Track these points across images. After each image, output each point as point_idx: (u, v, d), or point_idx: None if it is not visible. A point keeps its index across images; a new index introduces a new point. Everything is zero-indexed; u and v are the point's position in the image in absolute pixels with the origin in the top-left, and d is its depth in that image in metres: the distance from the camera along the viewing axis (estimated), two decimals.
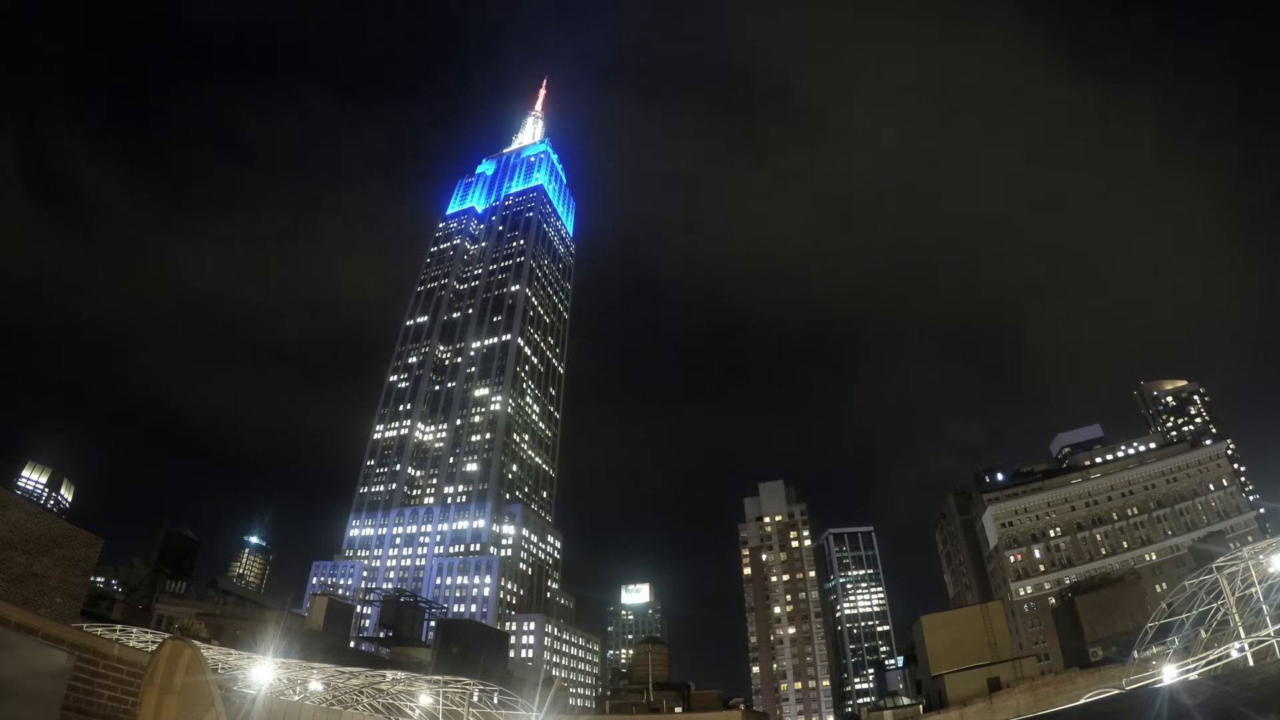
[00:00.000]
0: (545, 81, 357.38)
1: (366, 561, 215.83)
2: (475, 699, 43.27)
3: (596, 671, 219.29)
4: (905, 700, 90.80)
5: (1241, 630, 32.15)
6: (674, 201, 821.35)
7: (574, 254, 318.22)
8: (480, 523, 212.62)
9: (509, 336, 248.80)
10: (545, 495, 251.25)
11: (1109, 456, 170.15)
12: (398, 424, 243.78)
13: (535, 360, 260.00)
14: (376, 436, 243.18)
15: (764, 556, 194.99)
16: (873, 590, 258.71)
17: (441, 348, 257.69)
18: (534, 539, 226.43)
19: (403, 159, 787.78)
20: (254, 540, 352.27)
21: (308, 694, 39.54)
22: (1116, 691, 37.73)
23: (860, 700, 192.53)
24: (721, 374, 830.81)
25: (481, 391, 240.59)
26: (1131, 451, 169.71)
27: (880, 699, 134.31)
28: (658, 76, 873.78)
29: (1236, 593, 32.92)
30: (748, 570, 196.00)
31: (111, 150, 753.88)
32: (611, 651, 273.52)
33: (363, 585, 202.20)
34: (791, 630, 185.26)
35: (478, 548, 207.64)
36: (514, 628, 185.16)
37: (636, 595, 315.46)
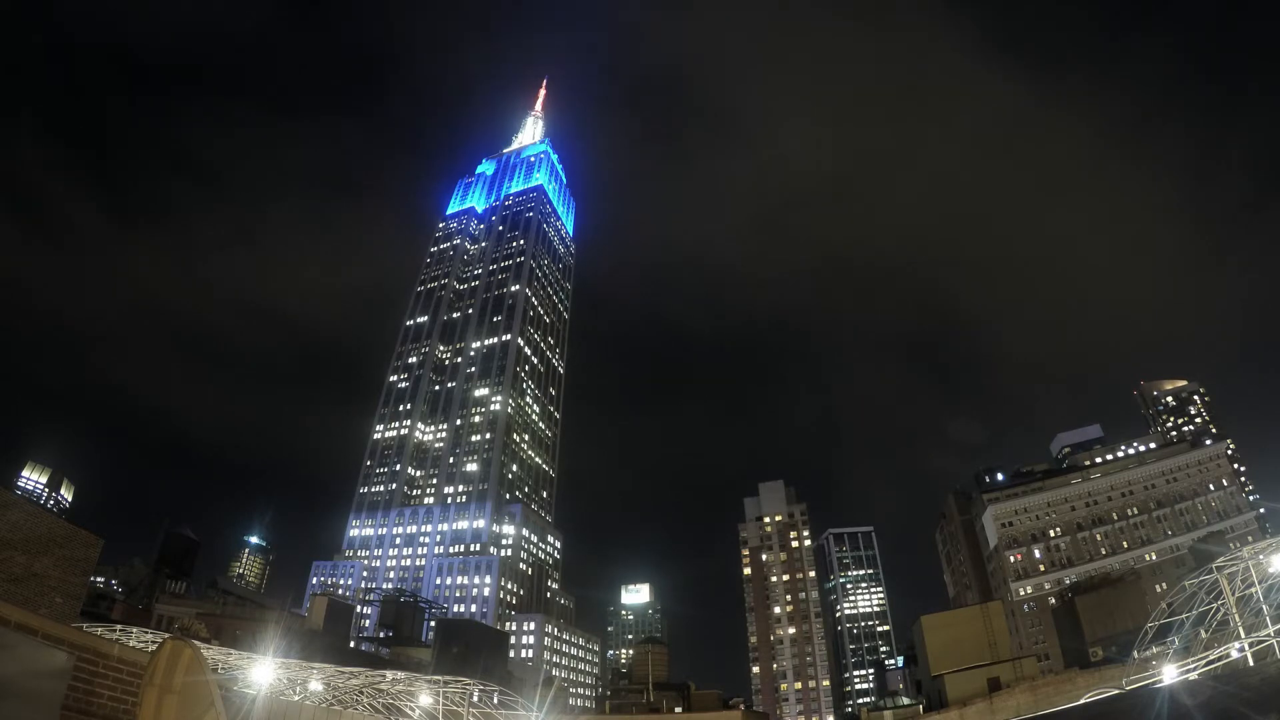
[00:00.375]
0: (545, 81, 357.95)
1: (366, 561, 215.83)
2: (475, 699, 43.27)
3: (596, 671, 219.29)
4: (905, 700, 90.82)
5: (1241, 630, 32.15)
6: (674, 199, 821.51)
7: (574, 254, 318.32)
8: (480, 523, 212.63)
9: (509, 336, 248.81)
10: (545, 495, 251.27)
11: (1109, 456, 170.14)
12: (398, 424, 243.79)
13: (535, 360, 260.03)
14: (376, 436, 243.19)
15: (764, 556, 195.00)
16: (873, 590, 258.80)
17: (441, 348, 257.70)
18: (534, 539, 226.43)
19: (403, 159, 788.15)
20: (254, 540, 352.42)
21: (308, 694, 39.54)
22: (1116, 691, 37.73)
23: (860, 700, 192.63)
24: (721, 373, 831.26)
25: (481, 391, 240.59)
26: (1131, 451, 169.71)
27: (880, 699, 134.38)
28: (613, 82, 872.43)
29: (1236, 593, 32.92)
30: (748, 570, 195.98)
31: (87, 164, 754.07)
32: (611, 651, 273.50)
33: (363, 585, 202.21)
34: (791, 630, 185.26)
35: (478, 548, 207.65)
36: (514, 628, 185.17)
37: (636, 595, 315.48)
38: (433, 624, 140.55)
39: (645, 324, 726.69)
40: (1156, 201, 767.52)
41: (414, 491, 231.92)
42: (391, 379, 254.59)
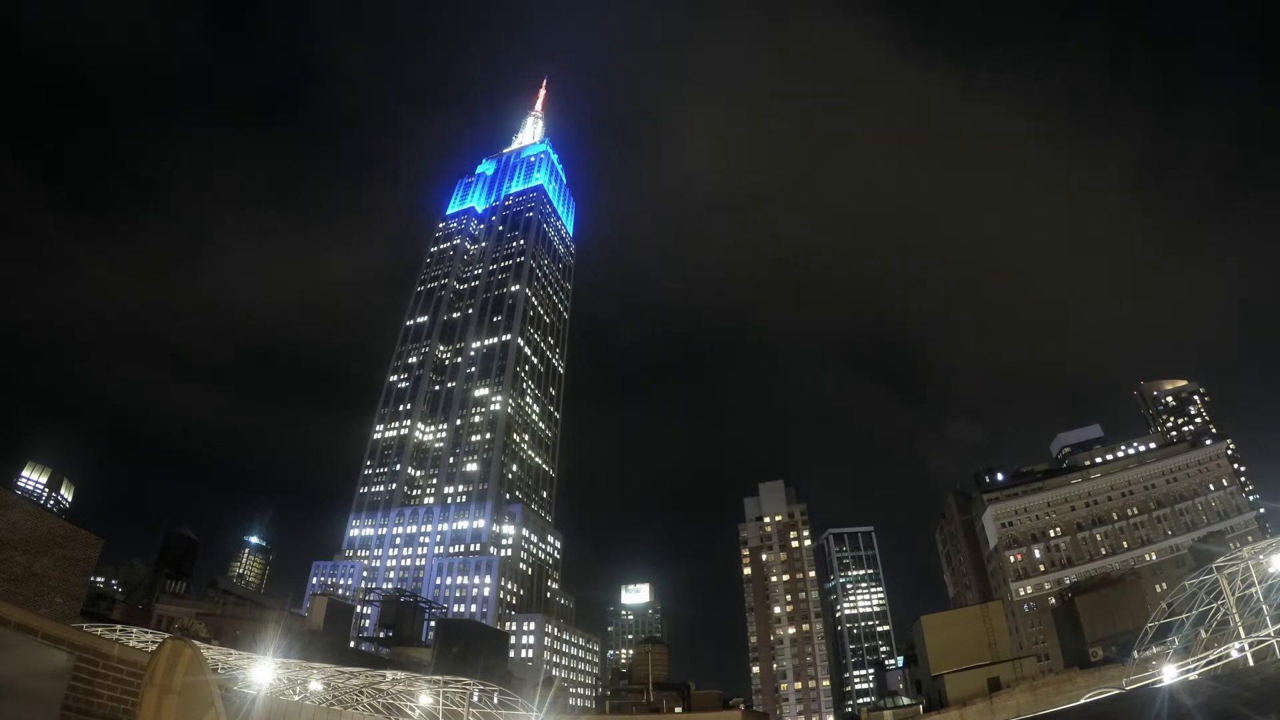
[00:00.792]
0: (545, 81, 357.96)
1: (366, 561, 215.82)
2: (475, 699, 43.28)
3: (596, 671, 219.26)
4: (905, 700, 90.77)
5: (1241, 630, 32.15)
6: (678, 197, 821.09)
7: (574, 254, 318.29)
8: (480, 523, 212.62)
9: (509, 336, 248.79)
10: (545, 495, 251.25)
11: (1109, 456, 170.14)
12: (398, 424, 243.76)
13: (535, 360, 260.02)
14: (376, 436, 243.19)
15: (764, 556, 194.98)
16: (873, 590, 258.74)
17: (441, 348, 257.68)
18: (534, 539, 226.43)
19: (403, 159, 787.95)
20: (254, 540, 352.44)
21: (308, 694, 39.55)
22: (1116, 691, 37.74)
23: (860, 700, 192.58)
24: (721, 373, 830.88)
25: (481, 391, 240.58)
26: (1131, 451, 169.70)
27: (880, 699, 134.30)
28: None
29: (1236, 593, 32.92)
30: (748, 570, 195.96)
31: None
32: (611, 651, 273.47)
33: (363, 585, 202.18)
34: (791, 630, 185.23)
35: (478, 548, 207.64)
36: (514, 628, 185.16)
37: (636, 595, 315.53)
38: (433, 624, 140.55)
39: (645, 324, 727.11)
40: (1109, 198, 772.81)
41: (414, 491, 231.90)
42: (391, 379, 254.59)
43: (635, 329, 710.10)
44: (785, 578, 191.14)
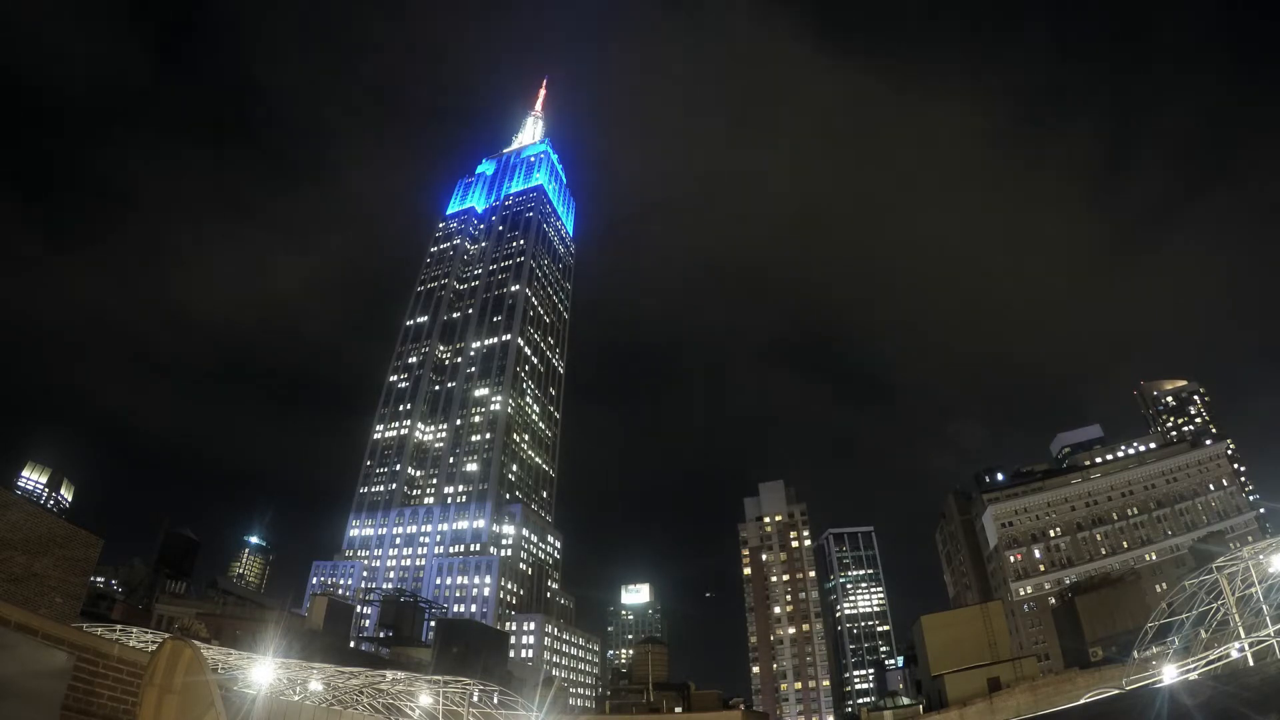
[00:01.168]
0: (545, 81, 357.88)
1: (366, 561, 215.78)
2: (475, 699, 43.27)
3: (596, 671, 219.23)
4: (905, 700, 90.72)
5: (1241, 630, 32.15)
6: (675, 198, 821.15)
7: (574, 254, 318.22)
8: (480, 523, 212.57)
9: (509, 336, 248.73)
10: (545, 495, 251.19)
11: (1109, 456, 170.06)
12: (398, 424, 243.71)
13: (535, 360, 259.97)
14: (376, 436, 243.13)
15: (764, 556, 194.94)
16: (873, 590, 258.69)
17: (441, 348, 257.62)
18: (534, 539, 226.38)
19: (403, 158, 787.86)
20: (254, 540, 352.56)
21: (308, 694, 39.55)
22: (1116, 691, 37.74)
23: (860, 700, 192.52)
24: (721, 373, 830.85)
25: (481, 391, 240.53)
26: (1131, 451, 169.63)
27: (880, 699, 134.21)
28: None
29: (1236, 593, 32.92)
30: (748, 570, 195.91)
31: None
32: (611, 651, 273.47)
33: (363, 585, 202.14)
34: (791, 630, 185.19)
35: (478, 548, 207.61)
36: (514, 628, 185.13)
37: (636, 595, 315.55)
38: (433, 624, 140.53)
39: (645, 323, 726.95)
40: (1063, 197, 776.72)
41: (414, 491, 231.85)
42: (391, 379, 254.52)
43: (635, 329, 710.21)
44: (785, 578, 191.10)
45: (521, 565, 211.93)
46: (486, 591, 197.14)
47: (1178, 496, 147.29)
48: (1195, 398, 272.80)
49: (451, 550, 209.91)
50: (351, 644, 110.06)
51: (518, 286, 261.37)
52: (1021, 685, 59.25)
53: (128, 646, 13.26)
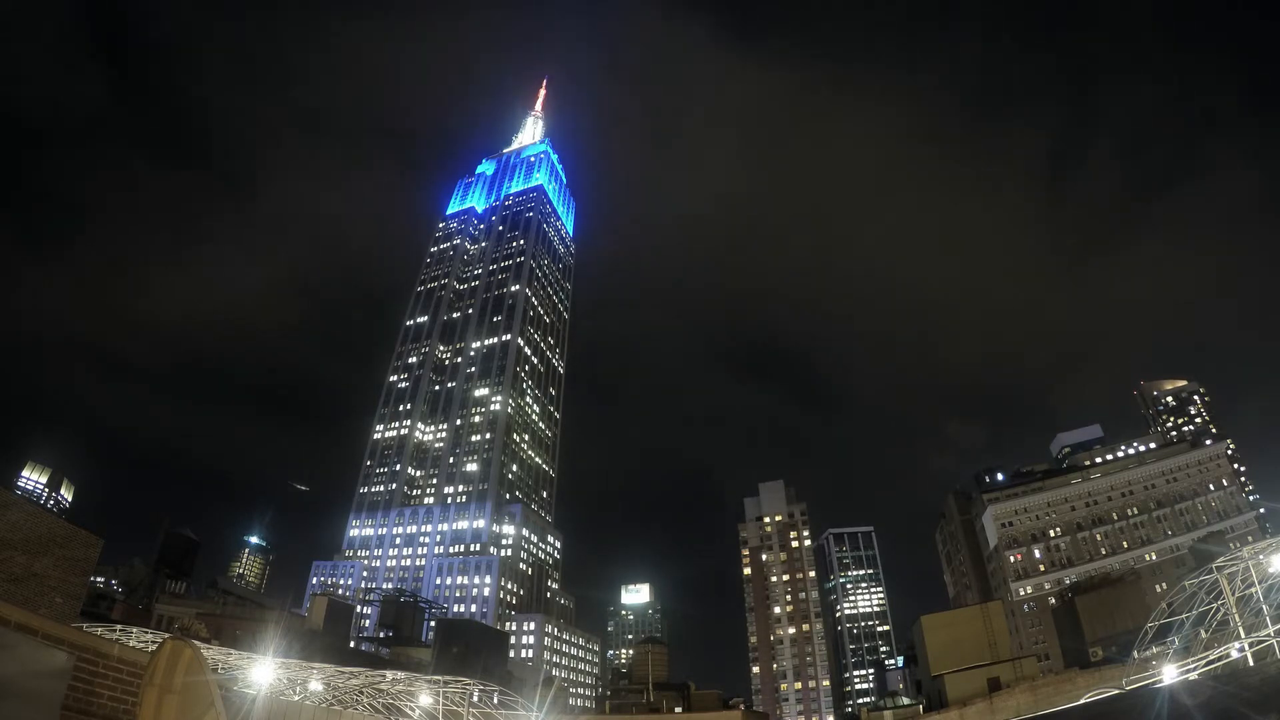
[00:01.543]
0: (545, 81, 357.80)
1: (366, 561, 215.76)
2: (475, 699, 43.27)
3: (596, 671, 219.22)
4: (905, 700, 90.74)
5: (1241, 630, 32.15)
6: (675, 199, 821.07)
7: (574, 254, 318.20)
8: (480, 523, 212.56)
9: (509, 336, 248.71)
10: (545, 495, 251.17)
11: (1109, 456, 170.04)
12: (398, 424, 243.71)
13: (535, 360, 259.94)
14: (376, 436, 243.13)
15: (764, 556, 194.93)
16: (873, 590, 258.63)
17: (441, 348, 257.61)
18: (534, 539, 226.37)
19: (403, 158, 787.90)
20: (254, 540, 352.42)
21: (308, 694, 39.55)
22: (1116, 691, 37.74)
23: (860, 700, 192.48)
24: (721, 372, 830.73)
25: (481, 391, 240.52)
26: (1131, 451, 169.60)
27: (880, 699, 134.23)
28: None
29: (1236, 593, 32.92)
30: (748, 570, 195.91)
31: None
32: (611, 651, 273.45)
33: (363, 585, 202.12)
34: (791, 630, 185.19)
35: (478, 548, 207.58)
36: (514, 628, 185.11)
37: (636, 595, 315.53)
38: (433, 624, 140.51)
39: (645, 322, 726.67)
40: (1011, 198, 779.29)
41: (414, 491, 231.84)
42: (391, 379, 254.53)
43: (635, 329, 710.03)
44: (785, 578, 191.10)
45: (521, 565, 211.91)
46: (486, 591, 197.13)
47: (1178, 496, 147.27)
48: (1195, 398, 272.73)
49: (451, 550, 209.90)
50: (351, 644, 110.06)
51: (518, 286, 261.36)
52: (1021, 685, 59.24)
53: (128, 646, 13.26)
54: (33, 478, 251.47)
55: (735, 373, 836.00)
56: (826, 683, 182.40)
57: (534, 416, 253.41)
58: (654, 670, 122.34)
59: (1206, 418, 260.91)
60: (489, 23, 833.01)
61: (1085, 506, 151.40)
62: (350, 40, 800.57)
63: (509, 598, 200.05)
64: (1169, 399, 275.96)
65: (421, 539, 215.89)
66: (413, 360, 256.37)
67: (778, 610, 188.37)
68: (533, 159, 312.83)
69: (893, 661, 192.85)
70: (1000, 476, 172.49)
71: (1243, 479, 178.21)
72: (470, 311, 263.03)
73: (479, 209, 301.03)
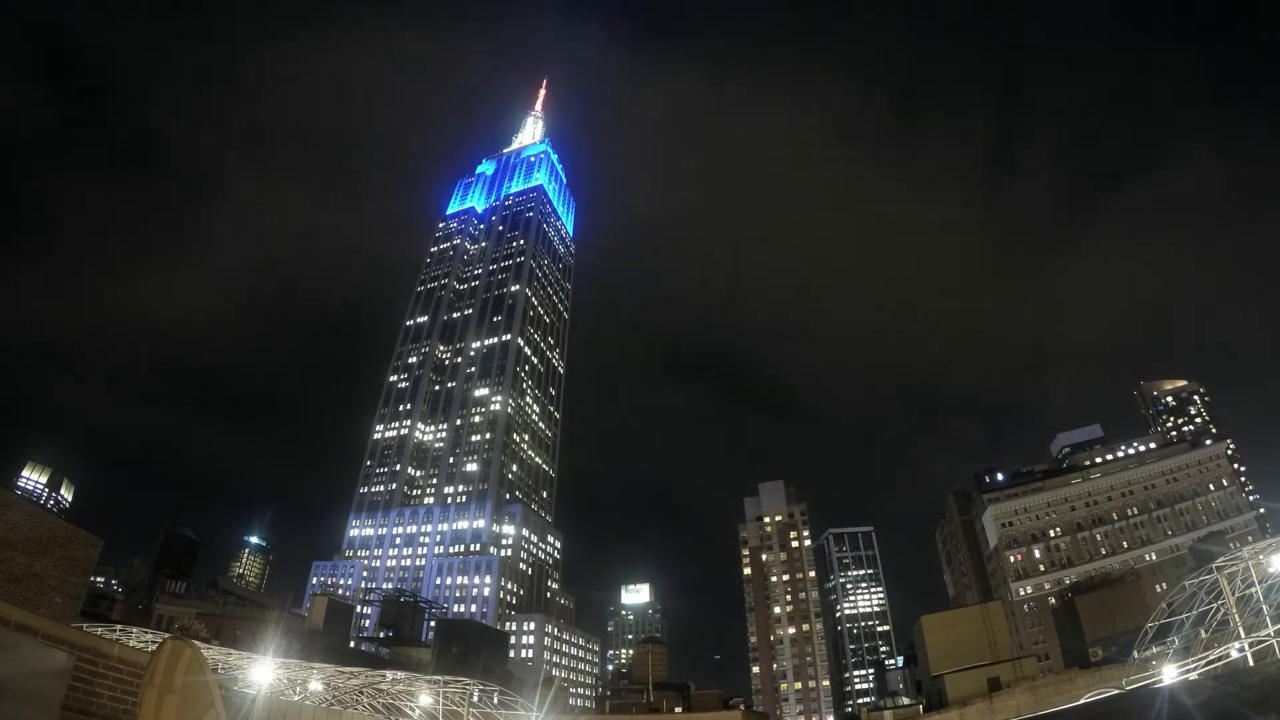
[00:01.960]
0: (545, 81, 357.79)
1: (366, 561, 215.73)
2: (475, 699, 43.27)
3: (596, 671, 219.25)
4: (905, 700, 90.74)
5: (1241, 630, 32.14)
6: (676, 199, 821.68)
7: (574, 254, 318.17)
8: (480, 523, 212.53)
9: (509, 336, 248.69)
10: (545, 495, 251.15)
11: (1109, 456, 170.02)
12: (398, 424, 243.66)
13: (535, 360, 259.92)
14: (376, 436, 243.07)
15: (764, 556, 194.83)
16: (873, 590, 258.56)
17: (441, 348, 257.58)
18: (534, 539, 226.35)
19: (403, 158, 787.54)
20: (254, 540, 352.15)
21: (308, 694, 39.55)
22: (1116, 691, 37.74)
23: (860, 700, 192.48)
24: (720, 372, 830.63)
25: (481, 391, 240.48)
26: (1131, 451, 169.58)
27: (880, 699, 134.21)
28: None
29: (1236, 593, 32.91)
30: (748, 570, 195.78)
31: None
32: (611, 651, 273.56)
33: (363, 585, 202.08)
34: (791, 630, 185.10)
35: (478, 548, 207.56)
36: (514, 628, 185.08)
37: (636, 595, 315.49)
38: (433, 624, 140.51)
39: (645, 322, 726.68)
40: (947, 201, 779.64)
41: (414, 491, 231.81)
42: (391, 379, 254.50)
43: (634, 329, 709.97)
44: (785, 578, 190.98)
45: (521, 565, 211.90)
46: (486, 591, 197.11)
47: (1178, 496, 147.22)
48: (1195, 398, 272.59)
49: (451, 550, 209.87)
50: (351, 644, 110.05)
51: (518, 286, 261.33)
52: (1021, 685, 59.25)
53: (128, 646, 13.25)
54: (33, 478, 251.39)
55: (734, 372, 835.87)
56: (826, 683, 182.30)
57: (534, 416, 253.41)
58: (654, 670, 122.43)
59: (1206, 418, 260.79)
60: (489, 23, 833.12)
61: (1085, 506, 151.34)
62: (350, 40, 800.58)
63: (509, 598, 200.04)
64: (1169, 399, 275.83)
65: (421, 539, 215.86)
66: (413, 360, 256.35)
67: (778, 610, 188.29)
68: (533, 159, 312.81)
69: (893, 661, 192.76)
70: (1000, 476, 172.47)
71: (1243, 479, 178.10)
72: (470, 311, 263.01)
73: (479, 209, 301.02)
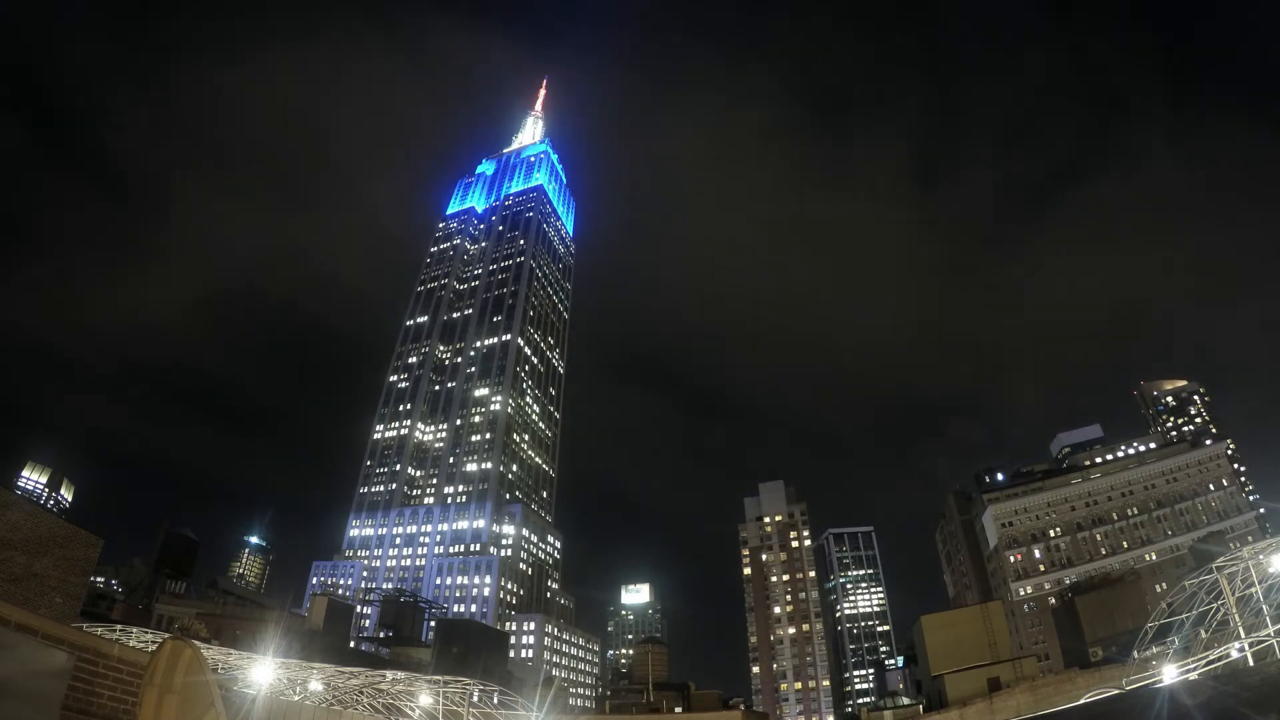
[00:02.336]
0: (545, 81, 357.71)
1: (366, 561, 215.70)
2: (475, 699, 43.27)
3: (596, 671, 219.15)
4: (905, 700, 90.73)
5: (1241, 630, 32.14)
6: (676, 201, 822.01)
7: (574, 254, 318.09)
8: (480, 523, 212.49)
9: (509, 336, 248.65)
10: (545, 495, 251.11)
11: (1109, 456, 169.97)
12: (398, 424, 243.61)
13: (535, 360, 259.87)
14: (376, 436, 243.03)
15: (764, 556, 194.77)
16: (873, 590, 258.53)
17: (441, 348, 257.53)
18: (534, 539, 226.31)
19: (403, 158, 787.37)
20: (254, 540, 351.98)
21: (308, 694, 39.54)
22: (1116, 691, 37.73)
23: (860, 700, 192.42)
24: (720, 372, 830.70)
25: (481, 391, 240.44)
26: (1131, 451, 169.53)
27: (880, 699, 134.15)
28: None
29: (1236, 593, 32.90)
30: (748, 570, 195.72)
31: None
32: (611, 651, 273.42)
33: (363, 585, 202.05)
34: (791, 630, 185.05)
35: (478, 548, 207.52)
36: (514, 628, 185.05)
37: (636, 595, 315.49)
38: (433, 624, 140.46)
39: (645, 322, 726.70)
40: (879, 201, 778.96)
41: (414, 491, 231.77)
42: (391, 379, 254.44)
43: (635, 330, 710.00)
44: (785, 578, 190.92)
45: (521, 565, 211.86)
46: (486, 591, 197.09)
47: (1178, 496, 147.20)
48: (1195, 398, 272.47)
49: (451, 550, 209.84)
50: (351, 644, 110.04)
51: (518, 286, 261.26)
52: (1021, 685, 59.24)
53: (128, 646, 13.25)
54: (33, 478, 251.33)
55: (733, 370, 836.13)
56: (826, 683, 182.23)
57: (534, 416, 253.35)
58: (654, 670, 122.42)
59: (1206, 418, 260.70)
60: (489, 22, 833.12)
61: (1085, 506, 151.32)
62: (350, 40, 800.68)
63: (509, 598, 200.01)
64: (1169, 399, 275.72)
65: (421, 539, 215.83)
66: (413, 360, 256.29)
67: (778, 610, 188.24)
68: (533, 159, 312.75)
69: (893, 661, 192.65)
70: (1000, 476, 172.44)
71: (1243, 479, 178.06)
72: (470, 311, 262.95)
73: (479, 209, 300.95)
